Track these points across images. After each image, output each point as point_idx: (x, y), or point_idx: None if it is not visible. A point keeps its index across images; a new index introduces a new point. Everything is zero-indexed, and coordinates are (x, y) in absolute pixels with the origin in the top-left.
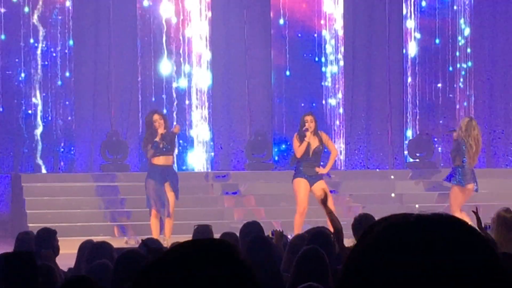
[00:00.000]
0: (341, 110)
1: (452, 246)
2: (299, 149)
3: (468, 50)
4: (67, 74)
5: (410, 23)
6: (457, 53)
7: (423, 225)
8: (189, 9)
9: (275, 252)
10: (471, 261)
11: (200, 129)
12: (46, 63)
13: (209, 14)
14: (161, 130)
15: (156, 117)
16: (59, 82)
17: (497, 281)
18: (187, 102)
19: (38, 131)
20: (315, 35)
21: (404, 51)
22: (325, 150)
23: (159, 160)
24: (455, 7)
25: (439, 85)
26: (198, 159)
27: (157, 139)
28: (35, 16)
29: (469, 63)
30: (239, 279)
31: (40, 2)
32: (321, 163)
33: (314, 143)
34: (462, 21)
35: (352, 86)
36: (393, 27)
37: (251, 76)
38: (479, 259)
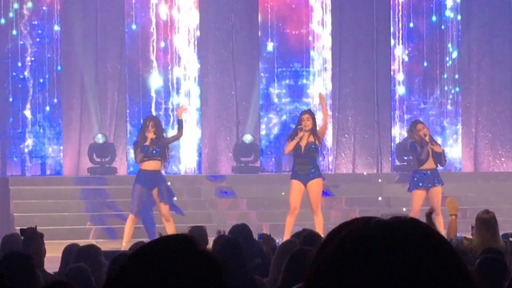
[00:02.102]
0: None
1: (411, 250)
2: (287, 146)
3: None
4: (55, 76)
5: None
6: (445, 75)
7: (382, 232)
8: (176, 17)
9: (246, 256)
10: (431, 263)
11: (188, 131)
12: (34, 64)
13: (197, 14)
14: (150, 135)
15: (147, 121)
16: (47, 85)
17: (459, 281)
18: (175, 104)
19: (26, 134)
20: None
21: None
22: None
23: (148, 165)
24: (442, 27)
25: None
26: (186, 162)
27: (146, 143)
28: (24, 21)
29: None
30: (199, 268)
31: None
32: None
33: (307, 140)
34: (450, 45)
35: (339, 90)
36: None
37: (239, 79)
38: (440, 261)
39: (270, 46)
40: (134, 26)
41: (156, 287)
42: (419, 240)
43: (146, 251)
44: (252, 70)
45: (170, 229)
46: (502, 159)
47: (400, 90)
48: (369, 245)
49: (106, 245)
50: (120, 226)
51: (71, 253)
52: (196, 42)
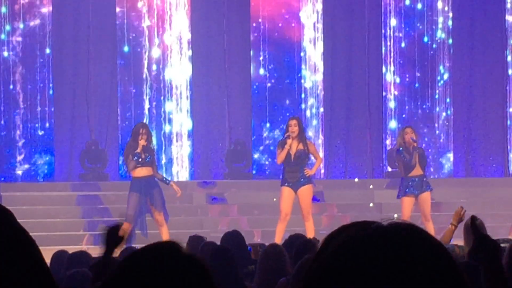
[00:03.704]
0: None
1: (409, 256)
2: (279, 156)
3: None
4: (46, 82)
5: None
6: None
7: (380, 238)
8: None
9: (236, 263)
10: (429, 268)
11: (180, 137)
12: (25, 71)
13: (188, 15)
14: (142, 142)
15: (139, 128)
16: (38, 91)
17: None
18: (167, 110)
19: (18, 140)
20: (295, 55)
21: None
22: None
23: (141, 172)
24: (434, 45)
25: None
26: (179, 168)
27: (138, 150)
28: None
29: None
30: (187, 273)
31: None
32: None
33: (296, 148)
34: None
35: (332, 95)
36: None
37: (231, 87)
38: (437, 267)
39: (261, 70)
40: (126, 48)
41: None
42: (418, 245)
43: (135, 258)
44: (245, 78)
45: (164, 234)
46: (494, 165)
47: (391, 104)
48: (369, 250)
49: (96, 252)
50: None
51: (61, 260)
52: (188, 46)
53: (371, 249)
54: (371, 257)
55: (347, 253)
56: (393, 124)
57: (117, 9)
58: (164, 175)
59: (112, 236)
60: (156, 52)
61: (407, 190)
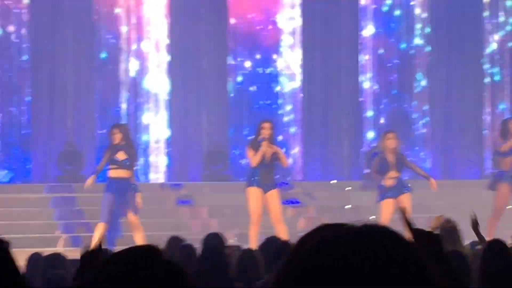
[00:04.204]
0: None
1: (380, 255)
2: (254, 159)
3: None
4: (25, 83)
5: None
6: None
7: (353, 237)
8: (147, 13)
9: (227, 262)
10: (399, 267)
11: (157, 139)
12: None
13: (166, 21)
14: (116, 142)
15: (114, 130)
16: (16, 92)
17: (424, 286)
18: (144, 116)
19: None
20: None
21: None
22: None
23: (117, 173)
24: (411, 52)
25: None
26: (154, 169)
27: (118, 156)
28: None
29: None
30: (165, 278)
31: None
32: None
33: (270, 150)
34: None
35: (309, 101)
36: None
37: (208, 89)
38: (407, 266)
39: (239, 77)
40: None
41: None
42: (388, 246)
43: (114, 262)
44: (223, 83)
45: (138, 237)
46: (470, 167)
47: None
48: (341, 249)
49: (72, 254)
50: (86, 235)
51: (36, 263)
52: (167, 52)
53: (344, 250)
54: (344, 257)
55: (320, 253)
56: (370, 129)
57: (95, 16)
58: (136, 183)
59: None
60: (133, 59)
61: (386, 194)
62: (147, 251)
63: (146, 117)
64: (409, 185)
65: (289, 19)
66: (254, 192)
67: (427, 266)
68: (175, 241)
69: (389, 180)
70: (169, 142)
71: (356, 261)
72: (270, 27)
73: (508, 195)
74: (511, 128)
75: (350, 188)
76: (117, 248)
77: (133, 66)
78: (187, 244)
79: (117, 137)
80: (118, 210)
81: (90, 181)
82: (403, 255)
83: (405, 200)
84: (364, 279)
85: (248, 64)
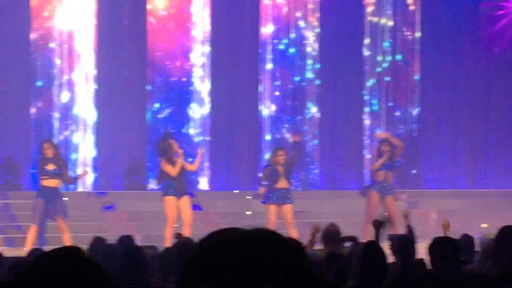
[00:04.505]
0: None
1: (267, 254)
2: (174, 170)
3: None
4: None
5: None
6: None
7: (245, 239)
8: (78, 48)
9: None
10: (283, 265)
11: (85, 156)
12: None
13: (94, 54)
14: (48, 155)
15: (43, 144)
16: None
17: (304, 281)
18: (74, 134)
19: None
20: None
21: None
22: None
23: (49, 182)
24: (303, 84)
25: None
26: (82, 181)
27: (49, 167)
28: None
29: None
30: (88, 275)
31: None
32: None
33: (182, 163)
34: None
35: (216, 126)
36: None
37: (129, 113)
38: (290, 263)
39: (156, 104)
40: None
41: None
42: (274, 247)
43: (44, 259)
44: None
45: (66, 238)
46: (352, 179)
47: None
48: (234, 249)
49: (6, 252)
50: (18, 236)
51: None
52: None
53: (236, 249)
54: (236, 256)
55: (216, 253)
56: (267, 148)
57: (32, 48)
58: (71, 175)
59: None
60: (65, 88)
61: (273, 199)
62: (71, 251)
63: (76, 138)
64: (292, 197)
65: (201, 54)
66: (169, 200)
67: (305, 264)
68: (98, 241)
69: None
70: (96, 158)
71: (246, 259)
72: (183, 60)
73: (377, 202)
74: (382, 149)
75: (250, 197)
76: (48, 247)
77: (64, 93)
78: (109, 244)
79: (49, 152)
80: (47, 214)
81: None
82: (285, 254)
83: (287, 210)
84: (253, 275)
85: (164, 91)
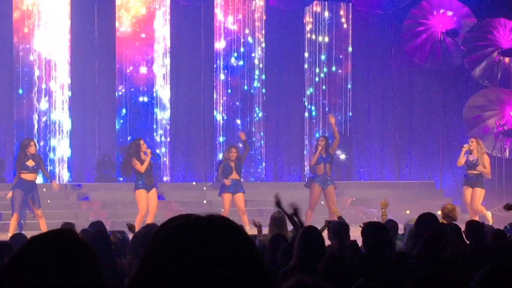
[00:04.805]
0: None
1: (218, 238)
2: (143, 166)
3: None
4: None
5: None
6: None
7: (198, 224)
8: (54, 59)
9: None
10: (232, 248)
11: (61, 151)
12: None
13: (68, 66)
14: (31, 152)
15: (31, 142)
16: None
17: (253, 269)
18: (51, 136)
19: None
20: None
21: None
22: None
23: (28, 176)
24: (252, 91)
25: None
26: (60, 174)
27: (28, 163)
28: None
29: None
30: (80, 255)
31: None
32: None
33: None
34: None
35: (176, 128)
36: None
37: (101, 117)
38: (239, 247)
39: (123, 110)
40: (20, 91)
41: (45, 269)
42: (225, 231)
43: (36, 241)
44: (112, 112)
45: (42, 224)
46: (294, 172)
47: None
48: (188, 234)
49: None
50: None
51: None
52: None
53: (191, 232)
54: (190, 238)
55: (174, 235)
56: (220, 145)
57: (15, 60)
58: (49, 175)
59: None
60: (43, 95)
61: (226, 189)
62: (67, 233)
63: (53, 141)
64: (244, 187)
65: (162, 65)
66: (140, 193)
67: (255, 249)
68: (67, 225)
69: (228, 180)
70: (70, 156)
71: (201, 243)
72: (147, 70)
73: (319, 193)
74: (318, 144)
75: (205, 188)
76: (27, 232)
77: (42, 100)
78: (85, 229)
79: (33, 149)
80: (26, 203)
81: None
82: (235, 238)
83: (239, 198)
84: (207, 258)
85: (130, 98)
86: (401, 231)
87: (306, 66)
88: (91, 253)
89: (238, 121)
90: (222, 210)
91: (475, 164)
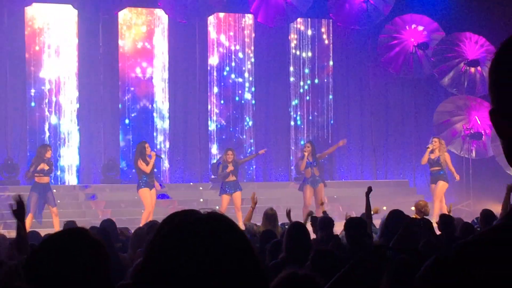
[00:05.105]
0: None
1: (217, 236)
2: (148, 167)
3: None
4: None
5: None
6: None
7: (199, 222)
8: (63, 74)
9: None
10: (230, 245)
11: (70, 156)
12: None
13: (76, 81)
14: (47, 156)
15: (48, 148)
16: None
17: (250, 267)
18: (61, 144)
19: None
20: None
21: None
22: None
23: (42, 179)
24: (242, 102)
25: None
26: (68, 176)
27: (44, 167)
28: None
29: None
30: (93, 251)
31: None
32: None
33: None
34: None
35: (174, 136)
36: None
37: (106, 124)
38: (235, 244)
39: (126, 120)
40: (33, 103)
41: (65, 264)
42: (223, 229)
43: (55, 237)
44: (117, 121)
45: (56, 222)
46: (282, 173)
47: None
48: (189, 231)
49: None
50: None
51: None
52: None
53: (191, 229)
54: (191, 234)
55: (176, 232)
56: (214, 150)
57: (27, 76)
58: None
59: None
60: (53, 107)
61: (225, 190)
62: (81, 231)
63: (63, 149)
64: (241, 186)
65: (161, 79)
66: (145, 191)
67: (251, 245)
68: (69, 224)
69: (228, 181)
70: (80, 161)
71: (198, 238)
72: (147, 84)
73: (311, 193)
74: (304, 150)
75: (201, 188)
76: (42, 230)
77: (52, 112)
78: (94, 226)
79: (49, 153)
80: (41, 204)
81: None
82: (232, 236)
83: (237, 196)
84: (204, 252)
85: (132, 109)
86: (378, 225)
87: (291, 79)
88: (101, 249)
89: (230, 129)
90: (217, 207)
91: (437, 162)
